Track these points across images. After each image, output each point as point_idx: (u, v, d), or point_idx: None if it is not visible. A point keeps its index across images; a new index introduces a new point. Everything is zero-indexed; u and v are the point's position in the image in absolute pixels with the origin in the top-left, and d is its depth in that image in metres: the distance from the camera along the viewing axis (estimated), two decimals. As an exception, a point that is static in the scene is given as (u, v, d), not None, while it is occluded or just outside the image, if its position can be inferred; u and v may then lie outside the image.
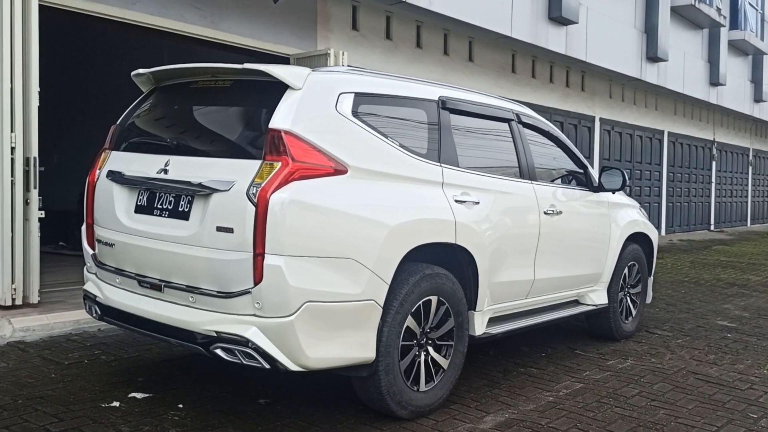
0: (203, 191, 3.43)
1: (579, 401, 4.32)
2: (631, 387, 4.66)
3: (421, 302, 3.84)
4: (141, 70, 4.07)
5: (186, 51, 9.25)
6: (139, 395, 4.05)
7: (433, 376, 3.99)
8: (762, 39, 20.51)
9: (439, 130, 4.18)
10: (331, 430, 3.69)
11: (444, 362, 4.06)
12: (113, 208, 3.89)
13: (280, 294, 3.24)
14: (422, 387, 3.91)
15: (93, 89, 12.54)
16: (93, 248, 4.10)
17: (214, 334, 3.35)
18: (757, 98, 20.78)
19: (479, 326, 4.32)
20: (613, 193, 5.68)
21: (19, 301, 5.65)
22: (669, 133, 18.00)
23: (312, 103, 3.52)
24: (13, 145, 5.54)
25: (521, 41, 11.20)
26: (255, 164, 3.35)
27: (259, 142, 3.42)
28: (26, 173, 5.68)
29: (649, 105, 16.87)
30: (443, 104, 4.28)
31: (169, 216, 3.63)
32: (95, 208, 4.06)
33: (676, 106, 18.17)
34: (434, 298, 3.93)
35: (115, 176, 3.91)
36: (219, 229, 3.35)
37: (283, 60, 8.48)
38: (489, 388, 4.51)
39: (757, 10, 20.21)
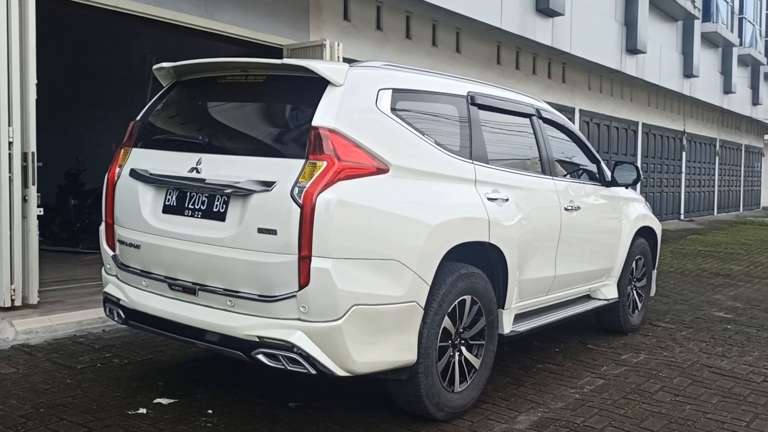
0: (242, 191, 3.31)
1: (606, 398, 4.32)
2: (652, 382, 4.67)
3: (456, 302, 3.78)
4: (164, 64, 3.92)
5: (178, 41, 9.04)
6: (164, 401, 3.91)
7: (466, 377, 3.94)
8: (732, 31, 20.86)
9: (469, 126, 4.11)
10: (368, 434, 3.62)
11: (476, 362, 4.01)
12: (138, 208, 3.73)
13: (328, 298, 3.14)
14: (457, 388, 3.85)
15: (77, 81, 12.14)
16: (113, 249, 3.94)
17: (256, 340, 3.24)
18: (727, 90, 21.16)
19: (507, 324, 4.28)
20: (626, 187, 5.69)
21: (18, 302, 5.44)
22: (643, 124, 18.23)
23: (353, 100, 3.42)
24: (10, 139, 5.32)
25: (508, 33, 11.20)
26: (297, 163, 3.23)
27: (300, 140, 3.31)
28: (24, 169, 5.45)
29: (625, 96, 17.05)
30: (472, 99, 4.21)
31: (202, 217, 3.49)
32: (116, 208, 3.90)
33: (650, 98, 18.39)
34: (468, 298, 3.87)
35: (140, 175, 3.75)
36: (260, 230, 3.23)
37: (277, 51, 8.32)
38: (514, 386, 4.48)
39: (727, 2, 20.54)
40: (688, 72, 17.88)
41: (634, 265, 6.01)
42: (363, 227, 3.25)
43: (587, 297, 5.55)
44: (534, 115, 4.83)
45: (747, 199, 28.94)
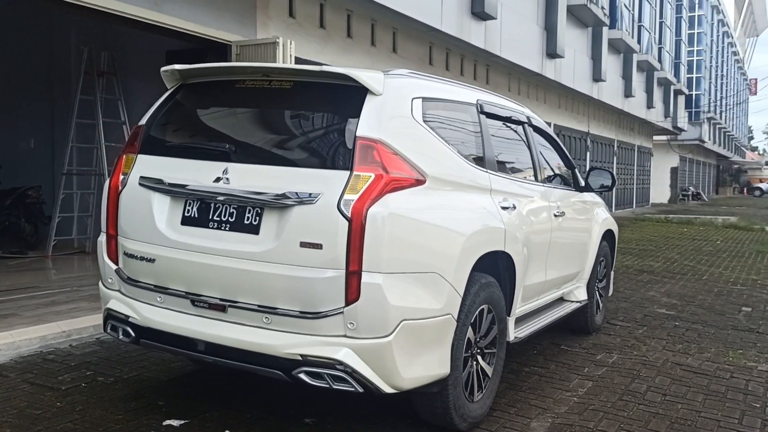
0: (281, 204, 3.16)
1: (603, 400, 4.44)
2: (637, 382, 4.85)
3: (477, 312, 3.78)
4: (177, 67, 3.68)
5: (113, 32, 8.57)
6: (174, 422, 3.70)
7: (482, 386, 3.95)
8: (632, 37, 22.01)
9: (481, 134, 4.12)
10: (398, 448, 3.56)
11: (489, 370, 4.03)
12: (151, 219, 3.49)
13: (379, 313, 3.06)
14: (476, 397, 3.86)
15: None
16: (116, 262, 3.67)
17: (299, 358, 3.11)
18: (627, 94, 22.31)
19: (512, 331, 4.33)
20: (601, 193, 5.87)
21: (-28, 317, 4.99)
22: (555, 125, 18.93)
23: (393, 110, 3.34)
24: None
25: (440, 35, 11.33)
26: (341, 175, 3.12)
27: (340, 150, 3.19)
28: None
29: (539, 99, 17.64)
30: (481, 108, 4.22)
31: (231, 229, 3.31)
32: (121, 218, 3.63)
33: (561, 100, 19.12)
34: (485, 307, 3.88)
35: (153, 183, 3.51)
36: (303, 244, 3.10)
37: (224, 47, 8.03)
38: (513, 391, 4.53)
39: (629, 10, 21.64)
40: (597, 76, 18.73)
41: (598, 267, 6.23)
42: (409, 240, 3.19)
43: (561, 299, 5.70)
44: (526, 122, 4.90)
45: (639, 197, 30.67)
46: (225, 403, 4.02)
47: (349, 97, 3.29)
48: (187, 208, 3.45)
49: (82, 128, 9.08)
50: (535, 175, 4.85)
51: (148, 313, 3.50)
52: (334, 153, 3.22)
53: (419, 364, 3.27)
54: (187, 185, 3.41)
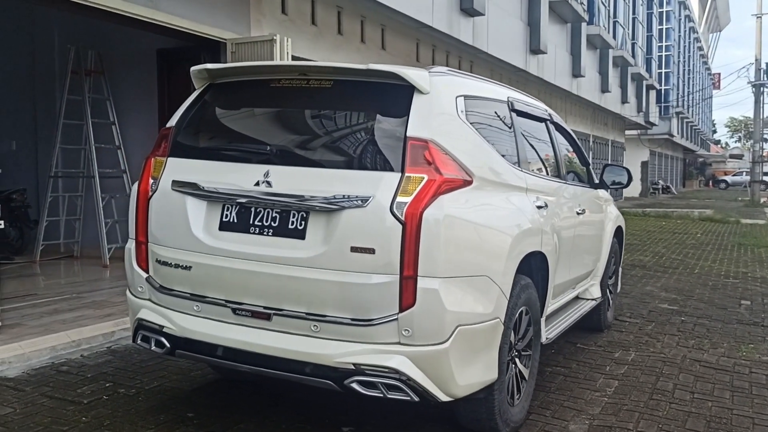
0: (329, 207, 3.04)
1: (634, 400, 4.40)
2: (662, 381, 4.82)
3: (517, 314, 3.71)
4: (209, 66, 3.53)
5: (102, 29, 8.31)
6: (210, 435, 3.56)
7: (520, 389, 3.88)
8: (609, 33, 22.19)
9: (514, 133, 4.04)
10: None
11: (526, 373, 3.96)
12: (186, 225, 3.35)
13: (436, 320, 2.96)
14: (515, 401, 3.79)
15: None
16: (146, 270, 3.52)
17: (352, 367, 3.00)
18: (604, 89, 22.50)
19: (544, 332, 4.26)
20: (616, 190, 5.85)
21: (-23, 328, 4.78)
22: (535, 121, 18.98)
23: (440, 108, 3.25)
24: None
25: (428, 31, 11.28)
26: (391, 177, 3.02)
27: (388, 151, 3.09)
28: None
29: (521, 94, 17.66)
30: (511, 105, 4.14)
31: (274, 234, 3.18)
32: (152, 224, 3.48)
33: (539, 96, 19.17)
34: (524, 309, 3.81)
35: (188, 188, 3.36)
36: (355, 249, 2.98)
37: (219, 44, 7.84)
38: (544, 393, 4.47)
39: (606, 6, 21.82)
40: (576, 72, 18.84)
41: (610, 264, 6.21)
42: (463, 243, 3.10)
43: (577, 298, 5.66)
44: (548, 119, 4.84)
45: (613, 191, 30.95)
46: (256, 413, 3.89)
47: (395, 95, 3.18)
48: (226, 213, 3.31)
49: (68, 129, 8.81)
50: (559, 173, 4.79)
51: (185, 322, 3.35)
52: (383, 154, 3.10)
53: (472, 370, 3.18)
54: (226, 189, 3.27)
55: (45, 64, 9.62)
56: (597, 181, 5.70)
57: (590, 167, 5.69)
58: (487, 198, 3.37)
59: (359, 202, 3.00)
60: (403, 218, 2.94)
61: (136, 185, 3.59)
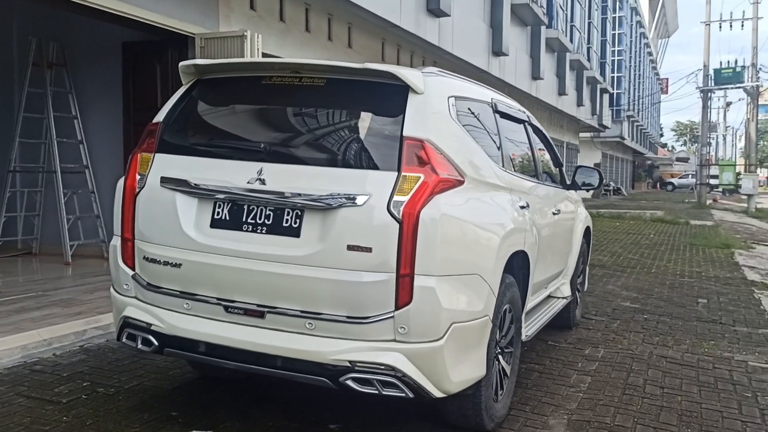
0: (325, 205, 3.05)
1: (609, 395, 4.51)
2: (633, 376, 4.96)
3: (502, 312, 3.77)
4: (198, 61, 3.49)
5: (71, 23, 8.11)
6: (199, 435, 3.53)
7: (502, 385, 3.95)
8: (566, 36, 22.58)
9: (498, 134, 4.11)
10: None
11: (508, 369, 4.03)
12: (176, 222, 3.31)
13: (432, 317, 3.00)
14: (499, 397, 3.85)
15: None
16: (132, 268, 3.47)
17: (347, 365, 3.02)
18: (561, 92, 22.90)
19: (524, 329, 4.34)
20: (588, 191, 5.97)
21: (-57, 327, 4.63)
22: (494, 121, 19.22)
23: (434, 109, 3.28)
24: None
25: (394, 31, 11.33)
26: (388, 176, 3.04)
27: (384, 150, 3.12)
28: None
29: (481, 95, 17.87)
30: (495, 107, 4.21)
31: (267, 232, 3.18)
32: (139, 221, 3.43)
33: (500, 97, 19.43)
34: (508, 306, 3.88)
35: (178, 184, 3.33)
36: (351, 248, 3.00)
37: (188, 39, 7.75)
38: (521, 389, 4.55)
39: (564, 10, 22.20)
40: (535, 74, 19.13)
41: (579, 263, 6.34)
42: (458, 242, 3.14)
43: (548, 297, 5.77)
44: (526, 121, 4.92)
45: (567, 192, 31.50)
46: (241, 412, 3.87)
47: (390, 95, 3.21)
48: (217, 210, 3.29)
49: (27, 123, 8.57)
50: (536, 174, 4.88)
51: (174, 320, 3.32)
52: (379, 153, 3.13)
53: (465, 366, 3.23)
54: (218, 186, 3.25)
55: (2, 55, 9.33)
56: (569, 182, 5.82)
57: (563, 168, 5.81)
58: (477, 198, 3.43)
59: (356, 200, 3.02)
60: (400, 217, 2.97)
61: (121, 181, 3.53)
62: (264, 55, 8.13)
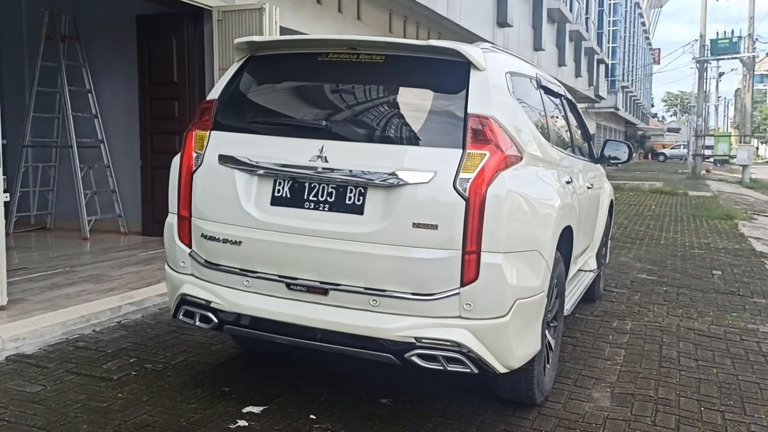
0: (390, 183, 3.05)
1: (647, 369, 4.57)
2: (666, 348, 5.03)
3: (553, 287, 3.80)
4: (255, 38, 3.46)
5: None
6: (255, 409, 3.57)
7: (549, 359, 4.00)
8: (566, 6, 22.45)
9: (544, 109, 4.11)
10: (484, 427, 3.54)
11: (553, 343, 4.08)
12: (236, 199, 3.31)
13: (498, 294, 3.03)
14: (546, 371, 3.90)
15: None
16: (189, 245, 3.47)
17: (413, 341, 3.05)
18: (560, 63, 22.81)
19: (565, 303, 4.38)
20: (617, 165, 5.99)
21: (-16, 304, 4.63)
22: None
23: (496, 85, 3.28)
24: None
25: (412, 1, 11.22)
26: (453, 153, 3.05)
27: (448, 127, 3.12)
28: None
29: (483, 67, 17.78)
30: (539, 82, 4.20)
31: (330, 210, 3.18)
32: (196, 199, 3.43)
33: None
34: (555, 281, 3.91)
35: (237, 162, 3.32)
36: (416, 225, 3.01)
37: (201, 11, 7.65)
38: (560, 363, 4.60)
39: (564, -20, 22.04)
40: (537, 46, 19.05)
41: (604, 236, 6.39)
42: (522, 219, 3.17)
43: (578, 270, 5.81)
44: (563, 95, 4.92)
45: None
46: (292, 387, 3.90)
47: (452, 72, 3.20)
48: (278, 187, 3.28)
49: (39, 97, 8.47)
50: (573, 148, 4.89)
51: (235, 297, 3.33)
52: (443, 130, 3.13)
53: (526, 341, 3.27)
54: (279, 164, 3.24)
55: (11, 28, 9.19)
56: (597, 156, 5.84)
57: (591, 142, 5.82)
58: (534, 174, 3.44)
59: (422, 178, 3.02)
60: (466, 194, 2.98)
61: (177, 159, 3.52)
62: (281, 28, 8.05)
